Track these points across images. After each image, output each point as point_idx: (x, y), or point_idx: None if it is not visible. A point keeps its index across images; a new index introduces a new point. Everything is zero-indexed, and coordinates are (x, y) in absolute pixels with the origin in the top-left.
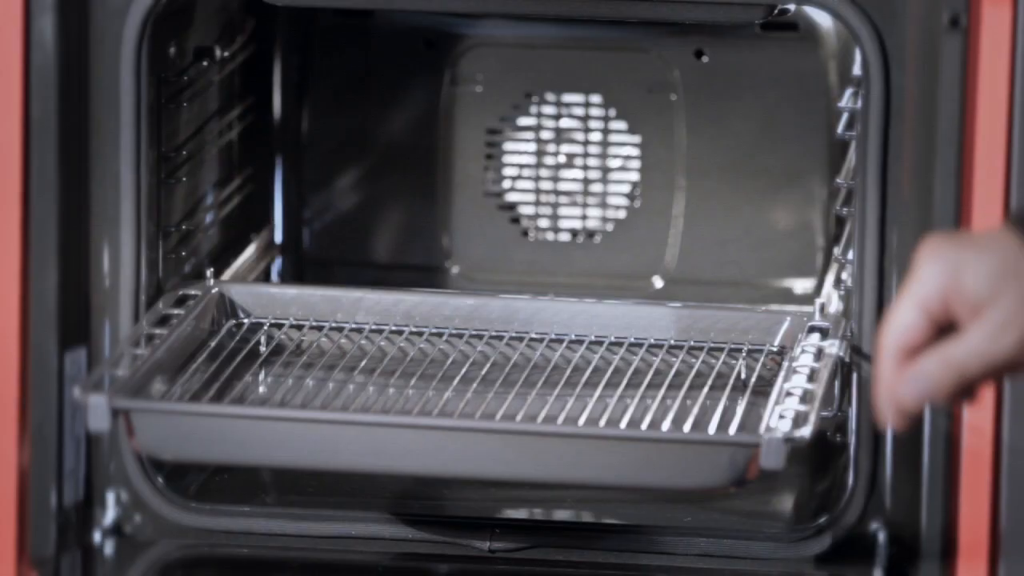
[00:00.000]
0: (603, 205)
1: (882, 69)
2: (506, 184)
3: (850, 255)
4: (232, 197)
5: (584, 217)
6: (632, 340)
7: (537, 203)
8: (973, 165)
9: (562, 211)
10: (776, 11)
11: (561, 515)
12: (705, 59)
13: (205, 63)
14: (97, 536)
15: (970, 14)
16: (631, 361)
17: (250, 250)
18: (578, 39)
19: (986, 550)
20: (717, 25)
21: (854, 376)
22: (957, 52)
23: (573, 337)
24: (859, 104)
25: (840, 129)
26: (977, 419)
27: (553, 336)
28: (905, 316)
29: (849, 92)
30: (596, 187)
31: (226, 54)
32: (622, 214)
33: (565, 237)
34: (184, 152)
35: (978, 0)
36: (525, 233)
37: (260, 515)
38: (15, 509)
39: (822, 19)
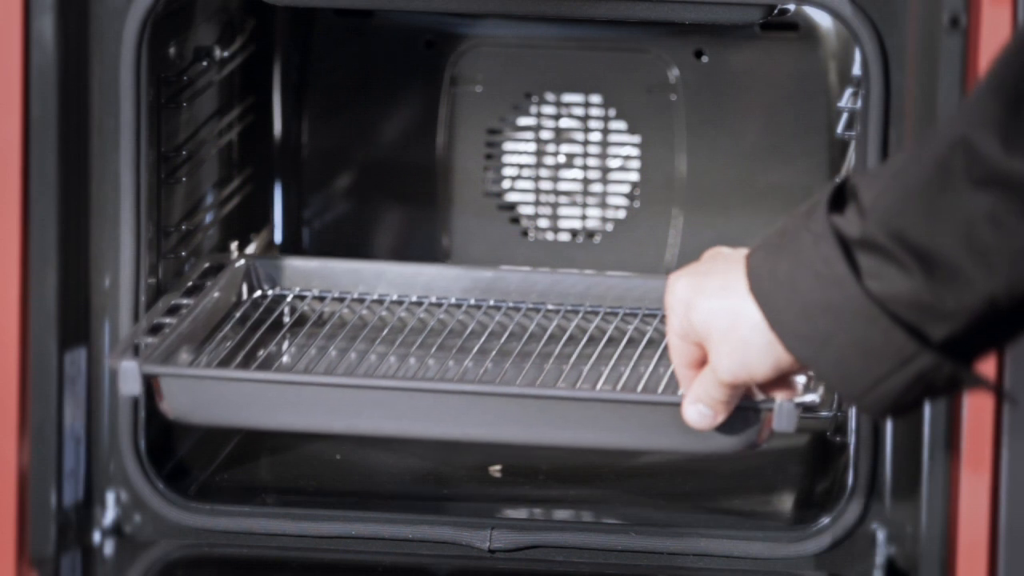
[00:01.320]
0: (603, 205)
1: (882, 69)
2: (506, 184)
3: None
4: (232, 197)
5: (584, 217)
6: (646, 311)
7: (537, 203)
8: None
9: (562, 211)
10: (776, 11)
11: (561, 515)
12: (705, 59)
13: (205, 63)
14: (97, 536)
15: (970, 14)
16: (645, 331)
17: (250, 250)
18: (578, 39)
19: (986, 550)
20: (717, 25)
21: None
22: (957, 52)
23: (588, 308)
24: (859, 104)
25: (840, 129)
26: (977, 419)
27: (569, 307)
28: (673, 344)
29: (849, 92)
30: (596, 187)
31: (226, 54)
32: (622, 214)
33: (565, 237)
34: (184, 152)
35: (978, 0)
36: (525, 233)
37: (260, 515)
38: (15, 509)
39: (822, 19)
